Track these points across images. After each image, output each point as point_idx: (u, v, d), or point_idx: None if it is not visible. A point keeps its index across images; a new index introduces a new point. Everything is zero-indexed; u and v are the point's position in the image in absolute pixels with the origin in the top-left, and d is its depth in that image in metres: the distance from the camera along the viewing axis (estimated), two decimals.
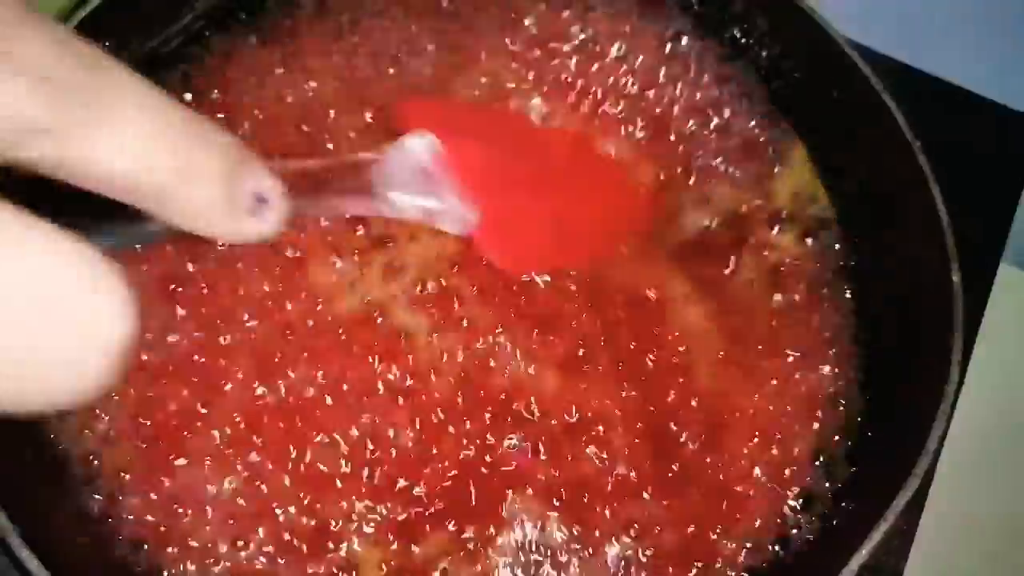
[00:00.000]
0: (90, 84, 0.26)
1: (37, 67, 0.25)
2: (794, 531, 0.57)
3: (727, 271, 0.63)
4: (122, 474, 0.55)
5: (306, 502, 0.55)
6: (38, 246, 0.23)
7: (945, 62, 0.80)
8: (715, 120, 0.66)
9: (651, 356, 0.60)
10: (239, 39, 0.66)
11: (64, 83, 0.25)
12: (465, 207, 0.51)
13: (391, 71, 0.65)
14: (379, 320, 0.58)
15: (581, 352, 0.59)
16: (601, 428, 0.58)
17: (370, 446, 0.56)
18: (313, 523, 0.55)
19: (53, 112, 0.25)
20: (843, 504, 0.57)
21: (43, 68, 0.25)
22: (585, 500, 0.56)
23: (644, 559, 0.56)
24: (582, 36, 0.68)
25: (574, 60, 0.67)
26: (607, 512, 0.56)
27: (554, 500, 0.56)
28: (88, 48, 0.27)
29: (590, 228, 0.62)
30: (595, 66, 0.67)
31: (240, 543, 0.54)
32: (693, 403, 0.59)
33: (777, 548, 0.57)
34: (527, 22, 0.68)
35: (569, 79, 0.66)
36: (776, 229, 0.64)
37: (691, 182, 0.65)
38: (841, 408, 0.60)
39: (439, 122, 0.52)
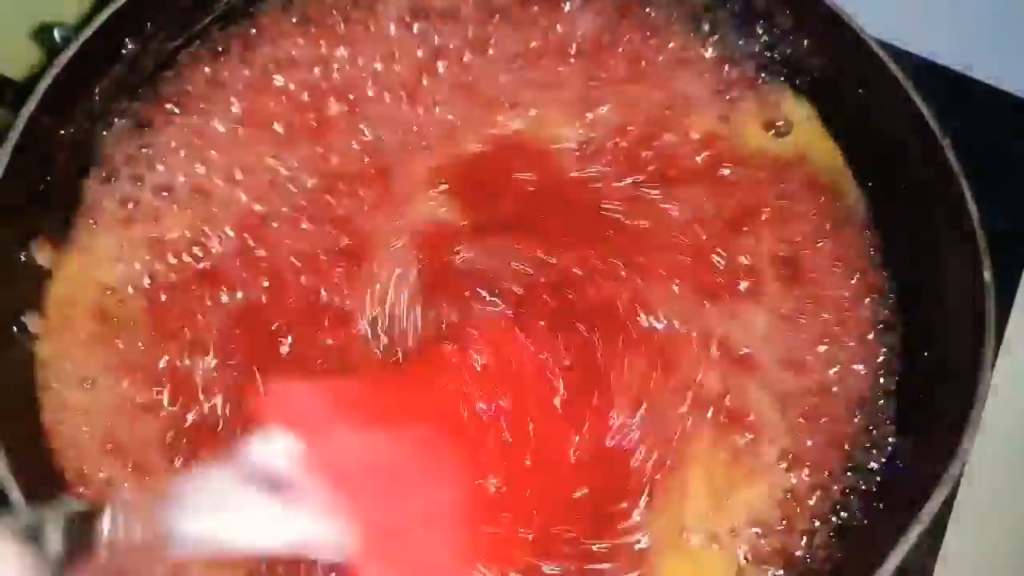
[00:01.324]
0: None
1: None
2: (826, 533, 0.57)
3: None
4: None
5: None
6: None
7: (972, 58, 0.79)
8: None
9: None
10: None
11: None
12: (338, 524, 0.40)
13: None
14: None
15: None
16: None
17: None
18: None
19: None
20: (875, 505, 0.57)
21: None
22: None
23: None
24: None
25: None
26: None
27: None
28: None
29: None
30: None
31: None
32: None
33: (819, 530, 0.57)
34: None
35: None
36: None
37: None
38: (872, 409, 0.59)
39: (302, 412, 0.42)
